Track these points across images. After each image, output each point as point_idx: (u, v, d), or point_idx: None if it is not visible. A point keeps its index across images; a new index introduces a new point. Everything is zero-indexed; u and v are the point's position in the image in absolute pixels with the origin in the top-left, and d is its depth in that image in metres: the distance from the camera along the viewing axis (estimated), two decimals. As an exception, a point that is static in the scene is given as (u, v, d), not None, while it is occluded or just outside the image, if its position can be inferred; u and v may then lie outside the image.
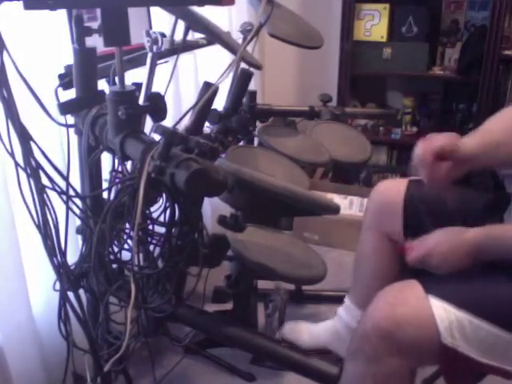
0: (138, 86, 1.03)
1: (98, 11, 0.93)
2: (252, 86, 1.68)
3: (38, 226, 0.95)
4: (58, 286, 1.07)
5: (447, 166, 1.03)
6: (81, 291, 1.14)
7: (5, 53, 0.81)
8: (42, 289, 1.32)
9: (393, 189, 1.25)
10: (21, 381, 1.25)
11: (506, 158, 1.07)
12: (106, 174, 1.13)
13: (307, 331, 1.44)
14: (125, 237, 1.07)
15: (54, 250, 0.98)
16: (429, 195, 1.18)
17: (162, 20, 1.51)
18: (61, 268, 1.00)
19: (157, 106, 1.04)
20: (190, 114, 1.12)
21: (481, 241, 0.97)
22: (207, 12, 1.18)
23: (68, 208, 1.05)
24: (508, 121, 1.06)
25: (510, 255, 0.93)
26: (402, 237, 1.18)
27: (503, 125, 1.06)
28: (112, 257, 1.08)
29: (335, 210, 1.26)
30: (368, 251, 1.31)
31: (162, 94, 1.07)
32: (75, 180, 1.15)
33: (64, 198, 1.03)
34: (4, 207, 1.16)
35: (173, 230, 1.02)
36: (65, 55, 1.17)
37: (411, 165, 1.09)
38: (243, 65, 1.51)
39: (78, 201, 1.09)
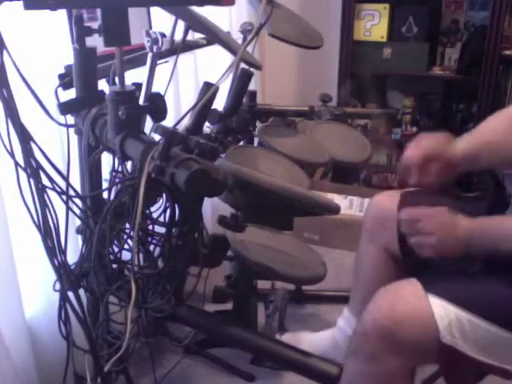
0: (138, 85, 1.03)
1: (98, 11, 0.93)
2: (252, 86, 1.67)
3: (38, 226, 0.95)
4: (57, 286, 1.07)
5: (436, 169, 1.03)
6: (81, 291, 1.14)
7: (5, 53, 0.81)
8: (41, 289, 1.32)
9: (387, 202, 1.24)
10: (21, 381, 1.25)
11: (497, 161, 1.07)
12: (106, 173, 1.13)
13: (307, 340, 1.43)
14: (125, 237, 1.07)
15: (54, 250, 0.98)
16: (422, 204, 1.19)
17: (162, 20, 1.51)
18: (61, 268, 1.00)
19: (157, 106, 1.04)
20: (190, 114, 1.12)
21: (477, 229, 0.95)
22: (207, 12, 1.18)
23: (68, 208, 1.05)
24: (501, 123, 1.06)
25: (504, 248, 0.92)
26: (398, 249, 1.17)
27: (495, 127, 1.06)
28: (112, 257, 1.08)
29: (335, 209, 1.26)
30: (367, 263, 1.31)
31: (162, 94, 1.07)
32: (75, 180, 1.15)
33: (64, 197, 1.04)
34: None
35: (173, 230, 1.02)
36: (65, 55, 1.17)
37: (399, 165, 1.09)
38: (243, 65, 1.51)
39: (78, 201, 1.09)
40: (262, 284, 1.64)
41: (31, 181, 0.92)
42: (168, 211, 1.01)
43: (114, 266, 1.12)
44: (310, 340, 1.44)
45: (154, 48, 0.99)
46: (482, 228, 0.96)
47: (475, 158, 1.05)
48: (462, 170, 1.07)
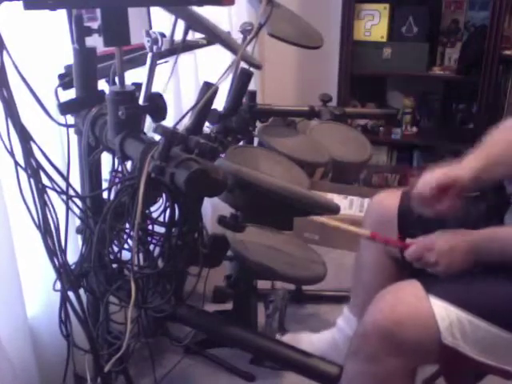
0: (138, 86, 1.03)
1: (98, 11, 0.93)
2: (252, 86, 1.67)
3: (38, 226, 0.95)
4: (58, 286, 1.07)
5: (451, 197, 1.02)
6: (81, 291, 1.14)
7: (5, 53, 0.81)
8: (41, 289, 1.32)
9: (388, 201, 1.24)
10: (20, 381, 1.25)
11: (503, 177, 1.08)
12: (106, 173, 1.13)
13: (307, 341, 1.44)
14: (125, 237, 1.07)
15: (54, 249, 0.97)
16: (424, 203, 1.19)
17: (162, 20, 1.51)
18: (61, 268, 1.00)
19: (157, 105, 1.04)
20: (190, 114, 1.12)
21: (481, 242, 0.97)
22: (207, 12, 1.18)
23: (68, 208, 1.05)
24: (506, 139, 1.05)
25: (510, 258, 0.93)
26: (399, 251, 1.17)
27: (502, 143, 1.05)
28: (112, 257, 1.08)
29: (335, 210, 1.26)
30: (367, 263, 1.31)
31: (162, 93, 1.07)
32: (75, 180, 1.15)
33: (64, 197, 1.03)
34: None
35: (173, 229, 1.02)
36: (65, 55, 1.17)
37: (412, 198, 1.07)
38: (243, 65, 1.51)
39: (78, 201, 1.09)
40: (262, 284, 1.64)
41: (31, 181, 0.92)
42: (168, 211, 1.01)
43: (114, 265, 1.12)
44: (310, 341, 1.44)
45: (154, 48, 0.98)
46: (488, 240, 0.97)
47: (487, 176, 1.03)
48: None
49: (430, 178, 1.02)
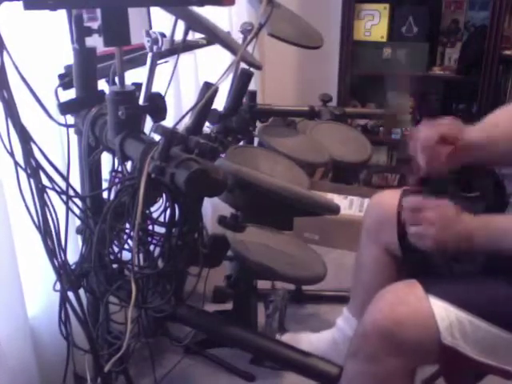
0: (138, 86, 1.03)
1: (98, 11, 0.93)
2: (252, 86, 1.67)
3: (37, 227, 0.95)
4: (58, 287, 1.07)
5: (448, 152, 1.01)
6: (81, 291, 1.14)
7: (5, 53, 0.81)
8: (41, 289, 1.32)
9: (387, 201, 1.23)
10: (21, 381, 1.25)
11: (506, 153, 1.06)
12: (106, 173, 1.13)
13: (306, 341, 1.43)
14: (125, 237, 1.07)
15: (54, 250, 0.97)
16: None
17: (162, 20, 1.51)
18: (61, 268, 1.00)
19: (157, 105, 1.04)
20: (190, 114, 1.12)
21: (481, 225, 0.95)
22: (207, 12, 1.18)
23: (68, 208, 1.05)
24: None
25: (507, 247, 0.92)
26: (399, 248, 1.17)
27: (508, 119, 1.05)
28: (112, 257, 1.08)
29: (335, 210, 1.26)
30: (367, 264, 1.30)
31: (162, 94, 1.07)
32: (75, 180, 1.15)
33: (64, 198, 1.03)
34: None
35: (173, 230, 1.02)
36: (65, 55, 1.17)
37: (408, 146, 1.06)
38: (243, 65, 1.51)
39: (78, 201, 1.09)
40: (262, 284, 1.64)
41: (31, 181, 0.92)
42: (168, 211, 1.01)
43: (114, 265, 1.12)
44: (310, 341, 1.44)
45: (154, 48, 0.99)
46: (485, 225, 0.95)
47: (489, 146, 1.03)
48: (473, 159, 1.04)
49: (434, 126, 1.02)
